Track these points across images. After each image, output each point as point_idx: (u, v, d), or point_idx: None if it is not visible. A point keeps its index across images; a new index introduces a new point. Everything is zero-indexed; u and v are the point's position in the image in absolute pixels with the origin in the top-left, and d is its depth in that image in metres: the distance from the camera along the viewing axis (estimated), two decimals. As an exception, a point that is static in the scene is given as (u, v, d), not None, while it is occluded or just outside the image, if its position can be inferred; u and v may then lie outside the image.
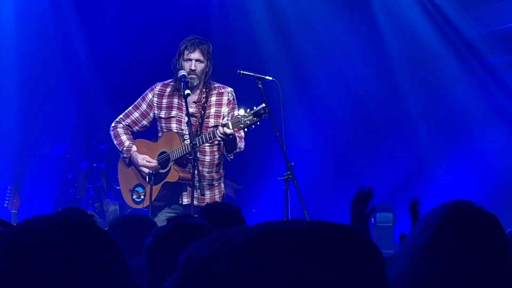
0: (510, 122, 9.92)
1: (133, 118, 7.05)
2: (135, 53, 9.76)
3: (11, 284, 1.59)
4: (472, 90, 10.05)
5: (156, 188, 6.81)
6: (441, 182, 9.91)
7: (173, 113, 6.89)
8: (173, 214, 6.77)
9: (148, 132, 7.27)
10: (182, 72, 6.71)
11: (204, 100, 6.82)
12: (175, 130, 6.86)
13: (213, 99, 6.89)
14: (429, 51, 10.11)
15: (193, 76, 6.78)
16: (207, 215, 4.44)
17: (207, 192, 6.84)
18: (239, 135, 6.66)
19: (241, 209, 4.68)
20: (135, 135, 7.12)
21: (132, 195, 7.04)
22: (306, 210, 6.43)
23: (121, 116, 7.12)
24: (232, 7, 10.31)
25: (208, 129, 6.80)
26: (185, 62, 6.79)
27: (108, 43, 9.90)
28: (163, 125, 6.93)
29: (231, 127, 6.41)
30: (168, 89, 6.95)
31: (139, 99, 7.06)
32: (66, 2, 10.00)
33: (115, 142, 7.09)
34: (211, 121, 6.85)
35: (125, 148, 7.01)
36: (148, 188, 6.89)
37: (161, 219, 6.49)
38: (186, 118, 6.82)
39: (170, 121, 6.90)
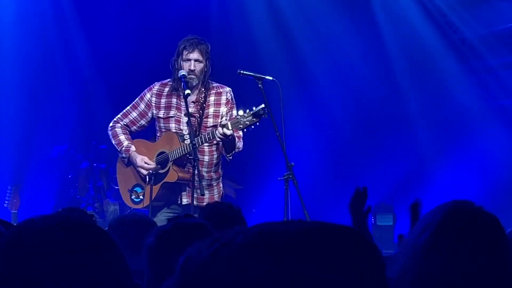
0: (510, 122, 9.91)
1: (131, 118, 7.03)
2: (135, 53, 9.76)
3: (11, 284, 1.59)
4: (472, 90, 10.05)
5: (155, 188, 6.81)
6: (441, 182, 9.91)
7: (172, 113, 6.89)
8: (172, 214, 6.78)
9: (146, 132, 7.27)
10: (182, 72, 6.71)
11: (202, 100, 6.82)
12: (174, 130, 6.85)
13: (212, 98, 6.89)
14: (429, 51, 10.11)
15: (192, 76, 6.78)
16: (207, 215, 4.44)
17: (206, 192, 6.84)
18: (238, 135, 6.66)
19: (241, 209, 4.68)
20: (133, 135, 7.11)
21: (131, 195, 7.04)
22: (306, 210, 6.44)
23: (119, 116, 7.10)
24: (232, 7, 10.31)
25: (207, 129, 6.79)
26: (184, 62, 6.79)
27: (108, 43, 9.90)
28: (162, 125, 6.92)
29: (230, 128, 6.41)
30: (167, 89, 6.94)
31: (137, 99, 7.05)
32: (66, 2, 10.00)
33: (113, 142, 7.08)
34: (210, 121, 6.85)
35: (123, 148, 7.00)
36: (147, 188, 6.88)
37: (160, 219, 6.49)
38: (185, 118, 6.82)
39: (169, 121, 6.89)
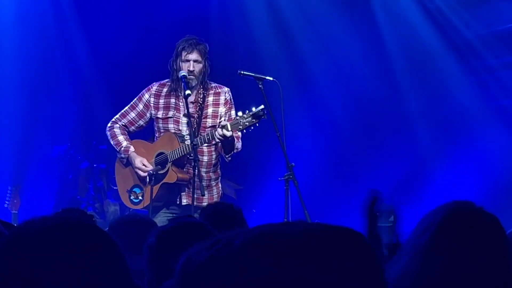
0: (510, 122, 9.91)
1: (130, 118, 7.02)
2: (135, 53, 9.76)
3: (11, 285, 1.59)
4: (472, 90, 10.04)
5: (155, 189, 6.80)
6: (441, 182, 9.91)
7: (171, 113, 6.88)
8: (171, 215, 6.79)
9: (144, 132, 7.26)
10: (182, 73, 6.70)
11: (201, 100, 6.81)
12: (173, 131, 6.85)
13: (210, 99, 6.88)
14: (429, 51, 10.10)
15: (192, 77, 6.77)
16: (208, 215, 4.44)
17: (205, 193, 6.82)
18: (236, 135, 6.65)
19: (242, 210, 4.68)
20: (131, 135, 7.09)
21: (129, 196, 7.03)
22: (307, 210, 6.44)
23: (117, 116, 7.09)
24: (232, 7, 10.31)
25: (206, 129, 6.79)
26: (183, 63, 6.77)
27: (108, 43, 9.89)
28: (160, 125, 6.91)
29: (230, 129, 6.41)
30: (165, 89, 6.93)
31: (135, 99, 7.04)
32: (66, 2, 10.00)
33: (112, 142, 7.07)
34: (209, 121, 6.84)
35: (122, 149, 6.99)
36: (147, 189, 6.88)
37: (159, 220, 6.49)
38: (184, 119, 6.82)
39: (168, 121, 6.88)
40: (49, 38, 9.93)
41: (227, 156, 6.80)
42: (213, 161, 6.92)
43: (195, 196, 6.66)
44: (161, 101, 6.91)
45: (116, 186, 7.48)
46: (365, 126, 10.36)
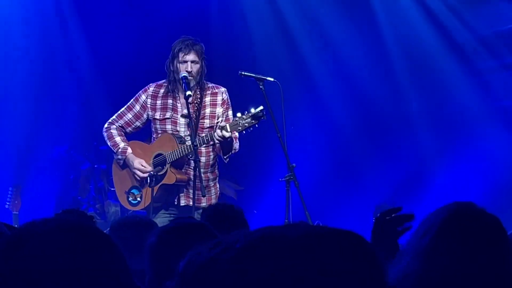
0: (511, 123, 9.91)
1: (126, 120, 7.00)
2: (136, 54, 9.76)
3: (12, 286, 1.59)
4: (473, 90, 10.04)
5: (152, 190, 6.80)
6: (442, 183, 9.91)
7: (168, 114, 6.86)
8: (169, 216, 6.79)
9: (140, 133, 7.25)
10: (183, 73, 6.69)
11: (198, 100, 6.79)
12: (170, 132, 6.83)
13: (208, 99, 6.86)
14: (430, 52, 10.10)
15: (190, 77, 6.75)
16: (209, 216, 4.44)
17: (200, 192, 6.80)
18: (234, 135, 6.63)
19: (243, 211, 4.68)
20: (128, 136, 7.08)
21: (127, 197, 7.01)
22: (308, 211, 6.44)
23: (113, 117, 7.07)
24: (232, 7, 10.31)
25: (204, 130, 6.77)
26: (180, 65, 6.74)
27: (108, 44, 9.90)
28: (158, 126, 6.89)
29: (229, 130, 6.41)
30: (162, 90, 6.90)
31: (132, 100, 7.01)
32: (67, 3, 10.00)
33: (109, 143, 7.05)
34: (207, 122, 6.83)
35: (120, 150, 6.97)
36: (145, 190, 6.87)
37: (158, 221, 6.47)
38: (182, 120, 6.81)
39: (165, 122, 6.86)
40: (50, 39, 9.94)
41: (225, 157, 6.79)
42: (210, 162, 6.91)
43: (197, 196, 6.67)
44: (158, 102, 6.89)
45: (113, 188, 7.46)
46: (366, 127, 10.36)
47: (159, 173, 6.79)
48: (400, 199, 9.91)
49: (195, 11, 10.04)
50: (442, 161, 10.10)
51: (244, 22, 10.34)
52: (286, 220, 6.52)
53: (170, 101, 6.86)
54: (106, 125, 7.06)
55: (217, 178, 7.09)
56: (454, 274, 2.33)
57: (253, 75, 6.72)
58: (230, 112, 6.87)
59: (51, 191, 9.78)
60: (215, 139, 6.49)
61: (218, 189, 7.11)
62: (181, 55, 6.74)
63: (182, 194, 6.87)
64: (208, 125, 6.82)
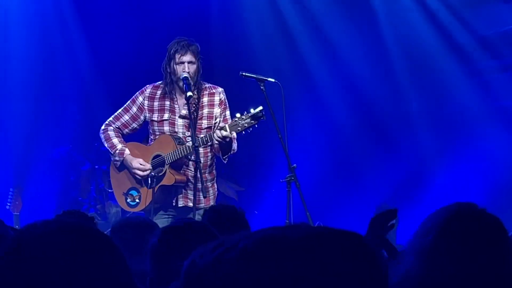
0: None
1: (123, 121, 6.98)
2: (136, 55, 9.76)
3: (13, 288, 1.60)
4: (473, 91, 10.05)
5: (151, 191, 6.79)
6: (443, 183, 9.91)
7: (166, 116, 6.84)
8: (168, 217, 6.79)
9: (137, 134, 7.24)
10: (184, 74, 6.68)
11: (196, 101, 6.77)
12: (168, 133, 6.82)
13: (205, 99, 6.84)
14: (431, 53, 10.11)
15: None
16: (211, 217, 4.44)
17: (200, 193, 6.80)
18: (232, 136, 6.61)
19: (245, 212, 4.67)
20: (124, 138, 7.07)
21: (126, 199, 7.00)
22: (309, 212, 6.44)
23: (110, 118, 7.05)
24: (233, 8, 10.31)
25: (202, 130, 6.75)
26: (177, 66, 6.72)
27: (109, 44, 9.90)
28: (156, 128, 6.87)
29: (228, 130, 6.40)
30: (159, 92, 6.89)
31: (129, 102, 7.00)
32: (67, 4, 10.01)
33: (106, 145, 7.03)
34: (204, 123, 6.81)
35: (117, 151, 6.95)
36: (144, 191, 6.87)
37: (156, 222, 6.47)
38: (180, 120, 6.80)
39: (163, 124, 6.84)
40: (51, 40, 9.95)
41: (224, 157, 6.78)
42: (208, 162, 6.89)
43: (197, 197, 6.68)
44: (156, 103, 6.87)
45: (111, 189, 7.46)
46: (367, 127, 10.37)
47: (158, 174, 6.79)
48: (401, 199, 9.92)
49: (195, 11, 10.04)
50: (442, 161, 10.10)
51: (244, 22, 10.34)
52: (287, 221, 6.52)
53: (167, 102, 6.84)
54: (103, 127, 7.05)
55: (215, 178, 7.09)
56: (455, 275, 2.33)
57: (254, 75, 6.72)
58: (227, 112, 6.87)
59: (52, 192, 9.78)
60: (214, 140, 6.48)
61: (216, 189, 7.11)
62: (177, 56, 6.72)
63: (181, 195, 6.87)
64: (206, 126, 6.80)
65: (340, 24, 10.19)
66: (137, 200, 6.93)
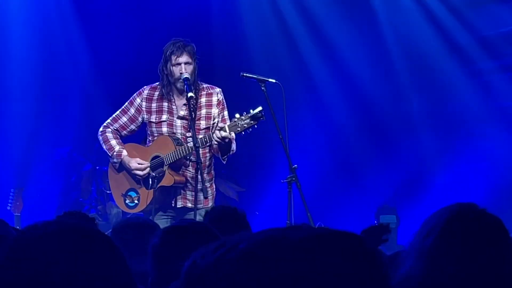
0: (513, 123, 9.92)
1: (121, 123, 6.98)
2: (137, 55, 9.76)
3: (14, 289, 1.60)
4: (474, 91, 10.05)
5: (151, 192, 6.79)
6: (443, 183, 9.91)
7: (164, 117, 6.83)
8: (167, 218, 6.79)
9: (135, 136, 7.24)
10: (185, 75, 6.68)
11: (194, 101, 6.75)
12: (167, 134, 6.82)
13: (203, 100, 6.84)
14: (431, 53, 10.10)
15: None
16: (212, 218, 4.45)
17: (200, 194, 6.80)
18: (231, 136, 6.60)
19: (246, 213, 4.68)
20: (123, 140, 7.07)
21: (125, 200, 7.00)
22: (310, 213, 6.44)
23: (108, 120, 7.04)
24: (234, 8, 10.30)
25: (200, 131, 6.74)
26: (174, 67, 6.71)
27: (110, 45, 9.90)
28: (154, 129, 6.87)
29: (228, 131, 6.40)
30: (157, 93, 6.88)
31: (126, 103, 6.99)
32: (69, 5, 10.01)
33: (104, 147, 7.03)
34: (203, 123, 6.80)
35: (115, 153, 6.95)
36: (143, 192, 6.86)
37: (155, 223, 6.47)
38: (178, 121, 6.80)
39: (161, 125, 6.84)
40: (51, 40, 9.95)
41: (223, 158, 6.78)
42: (207, 163, 6.89)
43: (192, 198, 6.69)
44: (153, 105, 6.87)
45: (109, 191, 7.44)
46: (368, 128, 10.37)
47: (158, 175, 6.78)
48: (401, 199, 9.93)
49: (195, 12, 10.04)
50: (443, 161, 10.10)
51: (245, 22, 10.34)
52: (288, 222, 6.52)
53: (165, 103, 6.84)
54: (101, 129, 7.05)
55: (213, 178, 7.09)
56: (456, 275, 2.33)
57: (255, 76, 6.72)
58: (226, 113, 6.87)
59: (53, 193, 9.78)
60: (214, 140, 6.48)
61: (214, 190, 7.11)
62: (173, 58, 6.72)
63: (179, 196, 6.86)
64: (204, 126, 6.79)
65: (341, 24, 10.19)
66: (136, 201, 6.93)
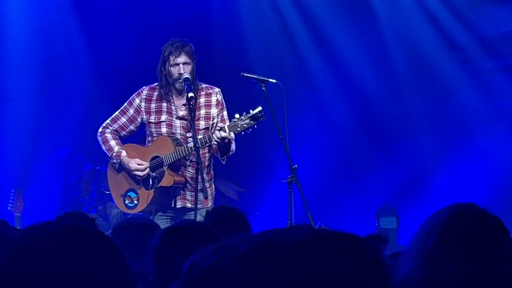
0: (514, 124, 9.92)
1: (121, 123, 6.97)
2: (137, 55, 9.76)
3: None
4: (474, 92, 10.05)
5: (151, 193, 6.79)
6: (444, 184, 9.91)
7: (163, 117, 6.83)
8: (166, 218, 6.79)
9: (135, 136, 7.24)
10: (185, 75, 6.68)
11: (193, 102, 6.75)
12: (166, 135, 6.81)
13: (202, 100, 6.84)
14: (432, 53, 10.10)
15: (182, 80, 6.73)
16: (213, 219, 4.45)
17: (200, 194, 6.79)
18: (230, 137, 6.60)
19: (247, 214, 4.67)
20: (122, 140, 7.06)
21: (124, 200, 6.99)
22: (310, 213, 6.44)
23: (108, 121, 7.04)
24: (234, 8, 10.30)
25: (199, 131, 6.74)
26: (172, 68, 6.71)
27: (111, 45, 9.91)
28: (153, 130, 6.87)
29: (227, 131, 6.40)
30: (156, 93, 6.88)
31: (125, 104, 6.99)
32: (70, 5, 10.01)
33: (103, 147, 7.02)
34: (202, 123, 6.80)
35: (114, 154, 6.94)
36: (142, 192, 6.86)
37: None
38: (178, 122, 6.80)
39: (160, 125, 6.84)
40: (51, 40, 9.95)
41: (223, 158, 6.77)
42: (206, 163, 6.88)
43: (191, 198, 6.69)
44: (153, 105, 6.87)
45: (108, 191, 7.43)
46: (368, 128, 10.37)
47: (157, 175, 6.78)
48: (402, 200, 9.92)
49: (196, 12, 10.04)
50: (443, 161, 10.10)
51: (245, 23, 10.34)
52: (288, 222, 6.52)
53: (164, 104, 6.84)
54: (100, 129, 7.04)
55: (213, 179, 7.09)
56: (456, 275, 2.33)
57: (255, 76, 6.72)
58: (225, 113, 6.87)
59: (53, 193, 9.78)
60: (214, 141, 6.48)
61: (213, 190, 7.11)
62: (171, 58, 6.71)
63: (179, 196, 6.86)
64: (203, 127, 6.79)
65: (341, 24, 10.19)
66: (135, 202, 6.93)
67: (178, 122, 6.81)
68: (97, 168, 9.66)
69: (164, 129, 6.82)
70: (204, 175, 6.83)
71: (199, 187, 6.70)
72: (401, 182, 10.06)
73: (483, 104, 10.01)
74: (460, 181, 9.87)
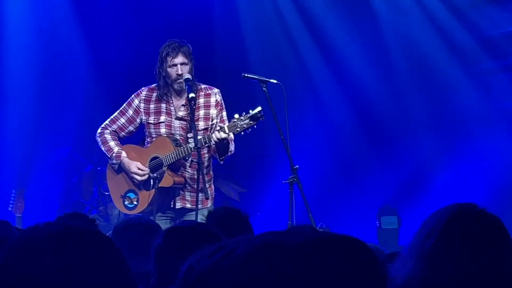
0: (513, 124, 9.93)
1: (120, 124, 6.97)
2: (138, 56, 9.76)
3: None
4: (474, 92, 10.05)
5: (150, 193, 6.79)
6: (444, 184, 9.91)
7: (162, 118, 6.82)
8: (166, 219, 6.79)
9: (134, 137, 7.23)
10: (186, 76, 6.68)
11: (193, 102, 6.74)
12: (165, 135, 6.81)
13: (201, 100, 6.83)
14: (432, 54, 10.10)
15: (181, 80, 6.73)
16: (215, 219, 4.45)
17: (200, 194, 6.79)
18: (229, 137, 6.60)
19: (249, 215, 4.67)
20: (121, 141, 7.06)
21: (123, 201, 6.99)
22: (311, 213, 6.44)
23: (107, 122, 7.03)
24: (235, 9, 10.31)
25: (199, 132, 6.73)
26: (170, 69, 6.70)
27: (111, 46, 9.91)
28: (152, 130, 6.86)
29: (227, 131, 6.40)
30: (155, 94, 6.87)
31: (124, 105, 6.98)
32: (70, 5, 10.02)
33: (103, 148, 7.01)
34: (201, 124, 6.79)
35: (114, 154, 6.93)
36: (142, 193, 6.86)
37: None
38: (177, 122, 6.80)
39: (159, 126, 6.83)
40: (52, 41, 9.96)
41: (221, 158, 6.77)
42: (206, 163, 6.88)
43: (191, 198, 6.69)
44: (152, 106, 6.86)
45: (108, 192, 7.42)
46: (368, 128, 10.37)
47: (158, 176, 6.78)
48: (402, 200, 9.92)
49: (196, 12, 10.04)
50: (443, 162, 10.10)
51: (246, 23, 10.34)
52: (289, 222, 6.52)
53: (163, 105, 6.84)
54: (99, 130, 7.03)
55: (212, 179, 7.08)
56: (456, 275, 2.33)
57: (256, 77, 6.72)
58: (224, 113, 6.86)
59: (54, 194, 9.78)
60: (213, 141, 6.47)
61: (213, 190, 7.10)
62: (169, 59, 6.71)
63: (178, 196, 6.86)
64: (202, 127, 6.78)
65: (341, 25, 10.19)
66: (135, 203, 6.92)
67: (177, 123, 6.80)
68: (98, 168, 9.67)
69: (163, 130, 6.82)
70: (204, 175, 6.83)
71: (197, 187, 6.70)
72: (401, 182, 10.06)
73: (483, 104, 10.01)
74: (460, 181, 9.88)
